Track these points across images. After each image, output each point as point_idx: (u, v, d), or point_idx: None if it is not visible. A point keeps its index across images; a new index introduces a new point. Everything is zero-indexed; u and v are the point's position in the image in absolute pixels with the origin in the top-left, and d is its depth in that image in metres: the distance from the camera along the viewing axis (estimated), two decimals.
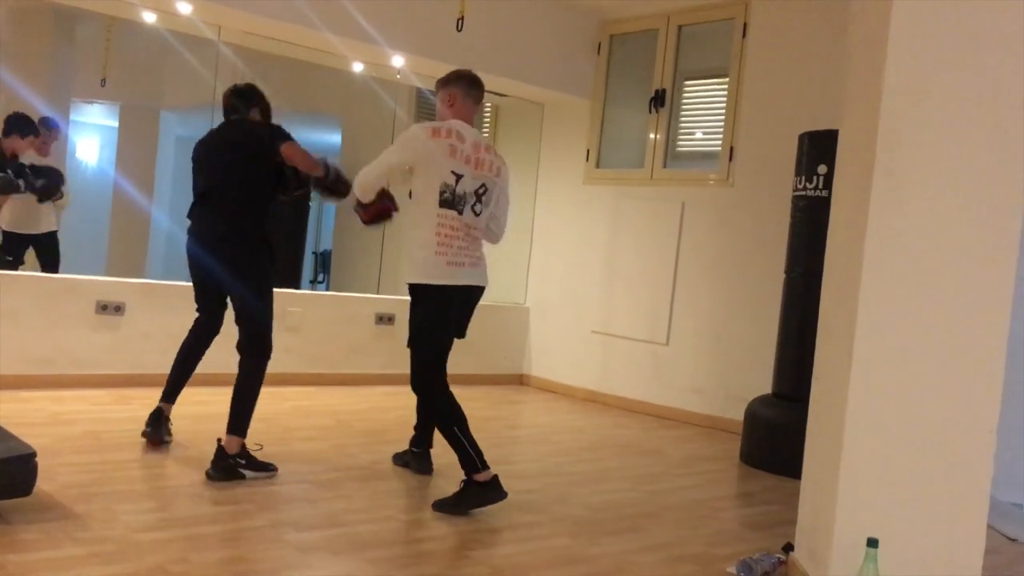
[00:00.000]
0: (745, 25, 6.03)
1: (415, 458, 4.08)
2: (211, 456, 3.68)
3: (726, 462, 5.04)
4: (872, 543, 2.43)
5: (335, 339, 6.21)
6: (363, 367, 6.30)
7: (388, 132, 6.91)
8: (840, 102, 3.16)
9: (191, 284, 4.10)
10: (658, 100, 6.48)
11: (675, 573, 3.09)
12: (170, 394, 4.15)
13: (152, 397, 4.29)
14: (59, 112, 6.42)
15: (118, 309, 5.29)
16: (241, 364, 3.80)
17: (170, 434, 4.13)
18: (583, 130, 7.01)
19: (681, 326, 6.27)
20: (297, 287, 7.67)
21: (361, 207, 3.74)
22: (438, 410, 3.61)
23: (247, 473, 3.66)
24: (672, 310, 6.31)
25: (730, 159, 6.08)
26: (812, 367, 3.15)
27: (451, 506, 3.49)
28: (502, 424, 5.68)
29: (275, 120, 4.03)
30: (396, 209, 3.73)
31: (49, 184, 5.67)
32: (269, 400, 5.14)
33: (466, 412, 3.58)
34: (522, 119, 7.51)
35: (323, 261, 9.47)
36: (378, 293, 6.86)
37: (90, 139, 7.83)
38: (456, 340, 3.76)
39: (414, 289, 3.62)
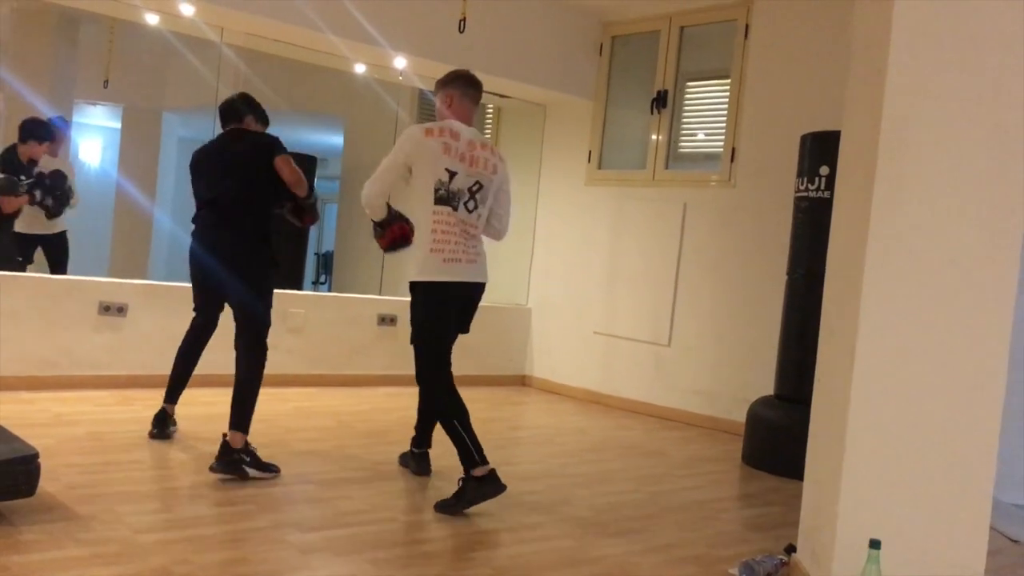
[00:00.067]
0: (747, 26, 6.03)
1: (414, 459, 4.10)
2: (211, 455, 3.70)
3: (728, 463, 5.04)
4: (874, 544, 2.43)
5: (337, 340, 6.21)
6: (365, 368, 6.31)
7: (390, 133, 6.91)
8: (842, 103, 3.16)
9: (190, 284, 4.20)
10: (660, 101, 6.48)
11: (677, 574, 3.09)
12: (172, 394, 4.25)
13: (154, 398, 4.31)
14: (61, 114, 6.43)
15: (121, 310, 5.30)
16: (239, 363, 3.86)
17: (175, 424, 4.25)
18: (585, 131, 7.02)
19: (683, 327, 6.27)
20: (299, 288, 7.67)
21: (379, 233, 3.80)
22: (440, 404, 3.65)
23: (250, 471, 3.67)
24: (674, 311, 6.31)
25: (732, 160, 6.08)
26: (814, 368, 3.15)
27: (451, 506, 3.51)
28: (504, 425, 5.68)
29: (276, 121, 4.11)
30: (413, 232, 3.76)
31: (59, 205, 5.75)
32: (270, 401, 5.15)
33: (469, 417, 3.59)
34: (524, 120, 7.51)
35: (325, 262, 9.48)
36: (380, 294, 6.87)
37: (93, 141, 7.84)
38: (460, 338, 3.79)
39: (413, 287, 3.66)
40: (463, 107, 3.76)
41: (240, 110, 4.14)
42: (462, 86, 3.77)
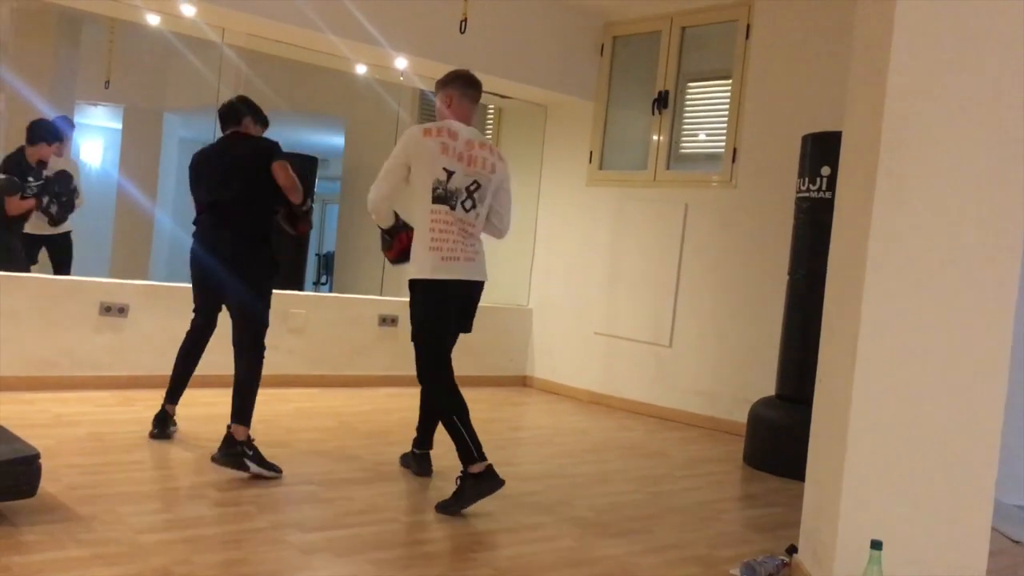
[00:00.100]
0: (748, 27, 6.03)
1: (416, 460, 4.10)
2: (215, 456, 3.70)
3: (729, 464, 5.04)
4: (876, 545, 2.42)
5: (338, 341, 6.21)
6: (366, 369, 6.31)
7: (391, 133, 6.91)
8: (843, 104, 3.16)
9: (191, 284, 4.23)
10: (661, 102, 6.48)
11: (678, 575, 3.09)
12: (173, 395, 4.26)
13: (155, 399, 4.32)
14: (63, 114, 6.43)
15: (122, 311, 5.30)
16: (238, 362, 3.90)
17: (175, 424, 4.26)
18: (586, 132, 7.02)
19: (684, 328, 6.26)
20: (300, 289, 7.67)
21: (387, 243, 3.82)
22: (440, 401, 3.67)
23: (251, 466, 3.68)
24: (675, 312, 6.31)
25: (733, 161, 6.08)
26: (815, 369, 3.15)
27: (451, 505, 3.51)
28: (505, 426, 5.68)
29: (277, 122, 4.14)
30: None
31: (63, 212, 5.80)
32: (272, 402, 5.16)
33: (469, 414, 3.59)
34: (525, 121, 7.51)
35: (326, 263, 9.49)
36: (381, 295, 6.87)
37: (94, 141, 7.85)
38: (461, 339, 3.82)
39: (412, 285, 3.69)
40: (462, 107, 3.78)
41: (239, 112, 4.17)
42: (461, 86, 3.79)
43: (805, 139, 5.02)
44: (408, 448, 4.17)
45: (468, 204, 3.65)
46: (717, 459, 5.13)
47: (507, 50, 6.35)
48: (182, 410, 4.29)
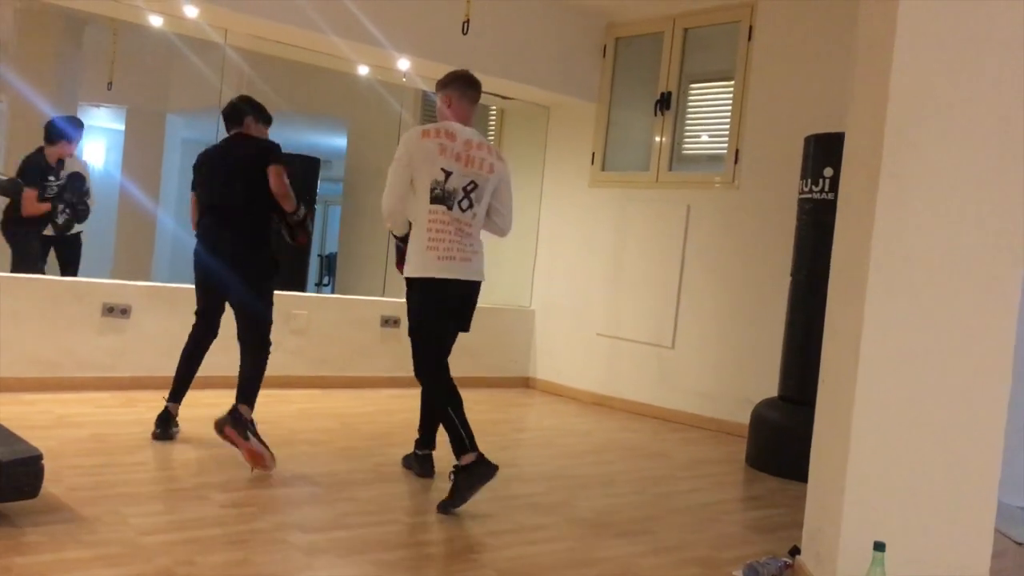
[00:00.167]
0: (751, 28, 6.03)
1: (418, 461, 4.11)
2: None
3: (732, 465, 5.03)
4: (879, 546, 2.42)
5: (340, 342, 6.22)
6: (368, 370, 6.31)
7: (394, 135, 6.92)
8: (845, 105, 3.15)
9: (194, 286, 4.27)
10: (663, 103, 6.48)
11: None
12: (176, 394, 4.28)
13: (157, 400, 4.32)
14: (66, 115, 6.44)
15: (124, 312, 5.30)
16: (244, 358, 3.99)
17: (177, 426, 4.27)
18: (588, 133, 7.01)
19: (687, 329, 6.26)
20: (303, 290, 7.67)
21: (400, 255, 3.86)
22: (435, 393, 3.74)
23: (252, 438, 3.73)
24: (678, 313, 6.30)
25: (735, 162, 6.07)
26: (818, 370, 3.15)
27: (450, 503, 3.52)
28: (508, 427, 5.68)
29: (279, 123, 4.17)
30: None
31: (72, 221, 5.82)
32: (274, 403, 5.16)
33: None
34: (527, 122, 7.51)
35: (328, 264, 9.49)
36: (383, 296, 6.86)
37: (96, 142, 7.85)
38: (464, 339, 3.85)
39: (409, 283, 3.74)
40: (462, 107, 3.82)
41: (241, 113, 4.20)
42: (461, 87, 3.83)
43: (808, 140, 5.01)
44: (410, 449, 4.18)
45: (465, 204, 3.68)
46: (719, 460, 5.13)
47: (509, 51, 6.35)
48: (184, 411, 4.30)
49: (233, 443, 3.74)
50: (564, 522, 3.58)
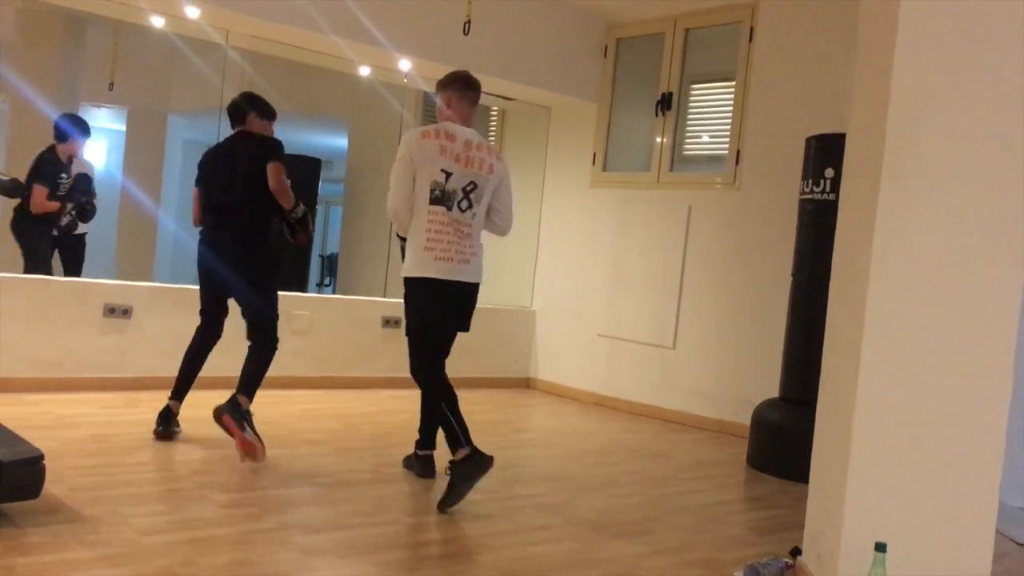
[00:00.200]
0: (752, 29, 6.03)
1: (419, 461, 4.11)
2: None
3: (733, 466, 5.03)
4: (880, 547, 2.42)
5: (342, 342, 6.22)
6: (370, 370, 6.31)
7: (395, 135, 6.92)
8: (847, 105, 3.15)
9: (198, 287, 4.28)
10: (665, 103, 6.48)
11: None
12: (179, 393, 4.29)
13: (159, 400, 4.32)
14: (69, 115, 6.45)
15: (126, 312, 5.31)
16: (250, 354, 4.07)
17: (178, 425, 4.28)
18: (589, 133, 7.02)
19: (688, 330, 6.26)
20: (304, 290, 7.68)
21: (404, 256, 3.86)
22: (430, 389, 3.78)
23: (248, 429, 3.78)
24: (679, 313, 6.30)
25: (736, 162, 6.07)
26: (819, 370, 3.15)
27: (448, 500, 3.52)
28: (509, 428, 5.68)
29: (281, 123, 4.21)
30: None
31: (76, 222, 5.84)
32: (277, 403, 5.17)
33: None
34: (529, 123, 7.51)
35: (330, 264, 9.50)
36: (385, 296, 6.87)
37: (98, 143, 7.85)
38: (465, 340, 3.87)
39: (407, 282, 3.77)
40: (461, 108, 3.84)
41: (243, 110, 4.22)
42: (461, 87, 3.85)
43: (809, 141, 5.01)
44: (411, 450, 4.18)
45: (464, 204, 3.70)
46: (721, 461, 5.12)
47: (511, 52, 6.35)
48: (186, 411, 4.30)
49: (229, 431, 3.78)
50: (565, 523, 3.58)
